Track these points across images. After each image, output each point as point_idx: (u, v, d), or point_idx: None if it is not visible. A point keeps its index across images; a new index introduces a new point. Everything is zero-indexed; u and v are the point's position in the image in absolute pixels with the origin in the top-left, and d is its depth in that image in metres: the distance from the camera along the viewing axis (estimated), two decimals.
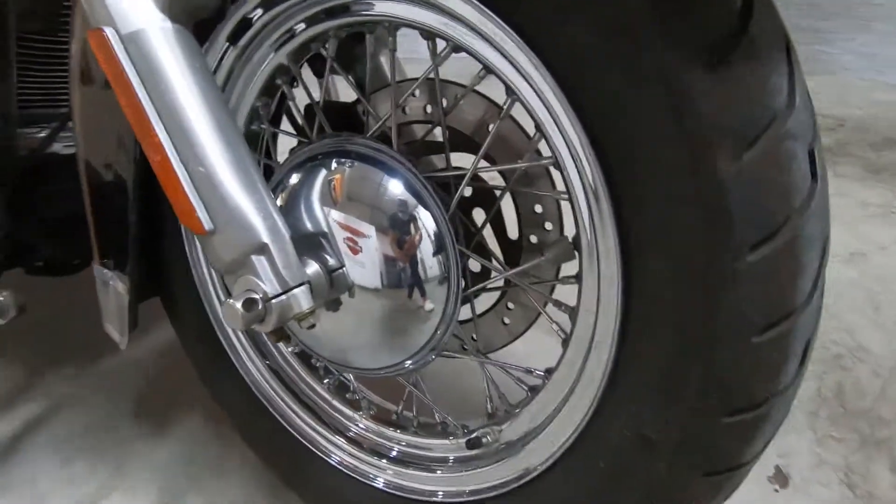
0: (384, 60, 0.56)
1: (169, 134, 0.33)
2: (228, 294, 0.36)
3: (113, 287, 0.52)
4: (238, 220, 0.34)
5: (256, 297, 0.33)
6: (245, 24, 0.43)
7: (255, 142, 0.52)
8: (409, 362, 0.43)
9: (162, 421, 0.71)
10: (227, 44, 0.44)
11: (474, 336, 0.54)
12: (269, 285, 0.34)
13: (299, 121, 0.52)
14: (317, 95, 0.47)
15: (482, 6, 0.31)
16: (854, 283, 0.93)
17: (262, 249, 0.34)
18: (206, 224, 0.34)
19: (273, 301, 0.34)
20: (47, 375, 0.81)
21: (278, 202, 0.43)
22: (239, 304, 0.33)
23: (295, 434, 0.54)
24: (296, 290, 0.35)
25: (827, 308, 0.85)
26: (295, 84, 0.48)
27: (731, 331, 0.28)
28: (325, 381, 0.55)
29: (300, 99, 0.49)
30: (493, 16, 0.31)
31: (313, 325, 0.37)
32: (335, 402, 0.55)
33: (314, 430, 0.54)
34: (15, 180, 0.61)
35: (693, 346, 0.29)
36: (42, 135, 0.65)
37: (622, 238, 0.30)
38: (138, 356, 0.82)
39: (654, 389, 0.32)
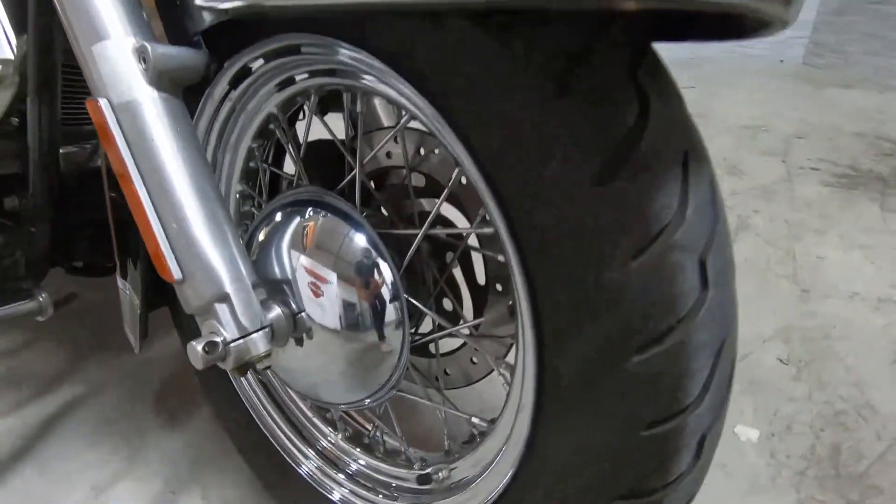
0: (378, 103, 0.59)
1: (149, 192, 0.38)
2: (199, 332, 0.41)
3: (129, 297, 0.59)
4: (204, 271, 0.38)
5: (217, 340, 0.37)
6: (245, 71, 0.46)
7: (254, 178, 0.57)
8: (367, 399, 0.47)
9: (175, 415, 0.79)
10: (229, 87, 0.49)
11: (437, 377, 0.56)
12: (230, 331, 0.38)
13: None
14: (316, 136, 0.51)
15: (427, 102, 0.33)
16: (879, 332, 0.88)
17: (225, 298, 0.38)
18: (176, 274, 0.38)
19: (232, 345, 0.38)
20: (89, 360, 0.91)
21: (260, 239, 0.48)
22: (200, 347, 0.37)
23: (276, 445, 0.59)
24: (254, 336, 0.39)
25: (841, 358, 0.82)
26: (294, 123, 0.52)
27: (622, 423, 0.29)
28: (307, 401, 0.59)
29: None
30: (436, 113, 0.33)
31: (268, 367, 0.41)
32: (315, 420, 0.59)
33: (292, 442, 0.59)
34: (59, 191, 0.69)
35: (591, 432, 0.31)
36: (83, 150, 0.73)
37: (537, 326, 0.32)
38: (164, 353, 0.91)
39: (562, 464, 0.33)
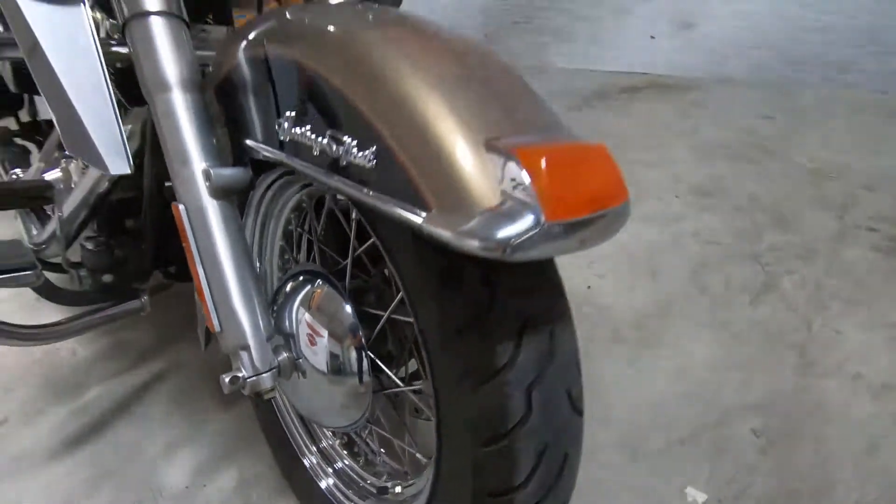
0: None
1: (203, 266, 0.55)
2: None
3: (199, 306, 0.79)
4: (234, 328, 0.55)
5: (238, 376, 0.55)
6: (280, 177, 0.62)
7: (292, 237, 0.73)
8: (348, 426, 0.63)
9: (229, 400, 1.00)
10: (266, 187, 0.65)
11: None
12: (247, 370, 0.55)
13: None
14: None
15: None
16: (866, 420, 0.89)
17: (245, 347, 0.55)
18: (216, 326, 0.56)
19: (248, 380, 0.55)
20: (178, 341, 1.15)
21: (286, 291, 0.64)
22: (227, 379, 0.54)
23: (290, 439, 0.77)
24: (264, 375, 0.55)
25: (817, 439, 0.86)
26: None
27: (475, 489, 0.42)
28: None
29: None
30: None
31: (273, 396, 0.57)
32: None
33: (301, 439, 0.76)
34: (162, 214, 0.90)
35: (461, 492, 0.44)
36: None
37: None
38: None
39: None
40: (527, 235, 0.32)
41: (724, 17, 2.90)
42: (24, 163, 1.29)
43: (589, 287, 1.27)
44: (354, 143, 0.40)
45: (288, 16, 0.52)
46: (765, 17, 2.81)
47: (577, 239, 0.35)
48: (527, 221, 0.32)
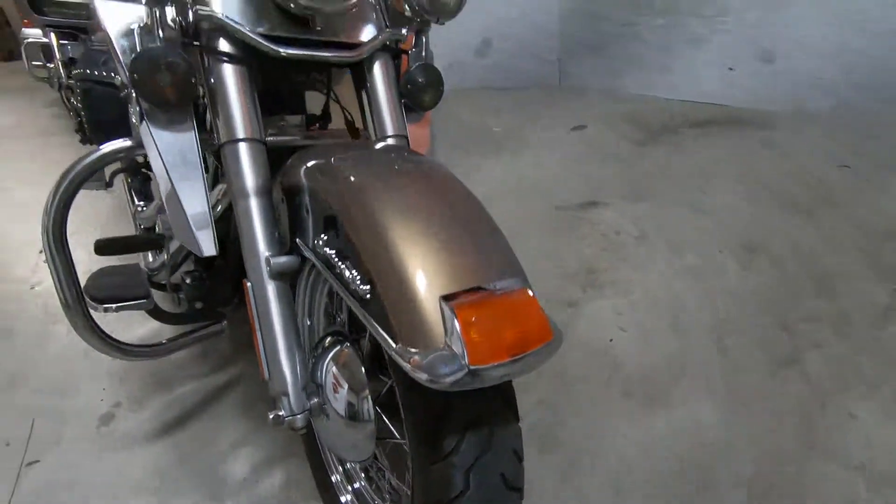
0: None
1: (260, 331, 0.74)
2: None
3: None
4: (278, 378, 0.73)
5: (280, 414, 0.73)
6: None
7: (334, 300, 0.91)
8: (357, 461, 0.79)
9: None
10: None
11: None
12: (286, 411, 0.73)
13: None
14: None
15: None
16: None
17: (286, 394, 0.73)
18: (266, 374, 0.74)
19: (286, 419, 0.73)
20: (251, 354, 1.39)
21: (321, 347, 0.82)
22: (271, 416, 0.72)
23: (323, 459, 0.95)
24: (297, 416, 0.73)
25: None
26: None
27: None
28: None
29: None
30: None
31: (304, 431, 0.75)
32: None
33: (331, 459, 0.94)
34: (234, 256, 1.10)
35: None
36: None
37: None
38: None
39: None
40: (456, 376, 0.46)
41: (809, 49, 2.76)
42: (148, 192, 1.59)
43: (611, 340, 1.35)
44: (358, 277, 0.56)
45: (332, 159, 0.68)
46: (854, 52, 2.64)
47: (498, 375, 0.48)
48: (457, 365, 0.46)
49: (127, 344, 0.97)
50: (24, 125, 4.12)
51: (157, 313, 1.08)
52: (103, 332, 0.92)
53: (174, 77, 0.70)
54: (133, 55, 0.69)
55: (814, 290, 1.47)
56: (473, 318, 0.47)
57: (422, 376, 0.46)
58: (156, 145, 0.74)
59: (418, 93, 0.93)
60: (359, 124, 0.95)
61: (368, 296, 0.54)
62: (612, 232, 1.86)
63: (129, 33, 0.77)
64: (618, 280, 1.58)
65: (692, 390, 1.18)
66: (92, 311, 0.91)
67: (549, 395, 1.19)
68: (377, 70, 0.88)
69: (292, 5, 0.74)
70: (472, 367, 0.46)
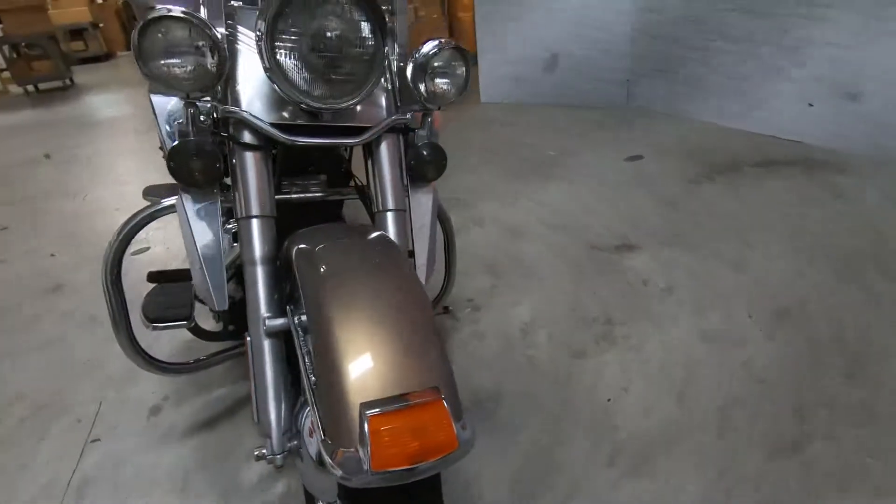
0: None
1: (255, 381, 0.86)
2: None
3: None
4: (264, 422, 0.85)
5: (263, 453, 0.85)
6: None
7: None
8: (325, 501, 0.89)
9: None
10: None
11: None
12: (268, 451, 0.85)
13: None
14: None
15: None
16: None
17: (269, 436, 0.85)
18: (255, 418, 0.86)
19: (268, 457, 0.85)
20: None
21: (301, 400, 0.93)
22: (255, 454, 0.85)
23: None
24: (277, 456, 0.85)
25: None
26: None
27: None
28: None
29: None
30: None
31: (281, 467, 0.87)
32: None
33: None
34: None
35: None
36: None
37: None
38: None
39: None
40: (361, 477, 0.55)
41: None
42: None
43: (609, 400, 1.37)
44: (311, 363, 0.66)
45: (316, 247, 0.78)
46: None
47: (400, 478, 0.56)
48: (362, 467, 0.55)
49: (163, 362, 1.15)
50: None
51: (196, 331, 1.26)
52: (145, 351, 1.10)
53: (202, 166, 0.84)
54: (172, 144, 0.84)
55: (843, 373, 1.39)
56: (382, 428, 0.55)
57: (336, 472, 0.56)
58: (186, 215, 0.89)
59: (422, 168, 1.02)
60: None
61: (315, 383, 0.64)
62: (640, 281, 1.84)
63: (171, 122, 0.92)
64: (633, 335, 1.58)
65: (681, 466, 1.18)
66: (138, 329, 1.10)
67: (535, 446, 1.24)
68: (384, 148, 0.98)
69: (303, 106, 0.86)
70: (374, 471, 0.54)
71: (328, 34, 0.80)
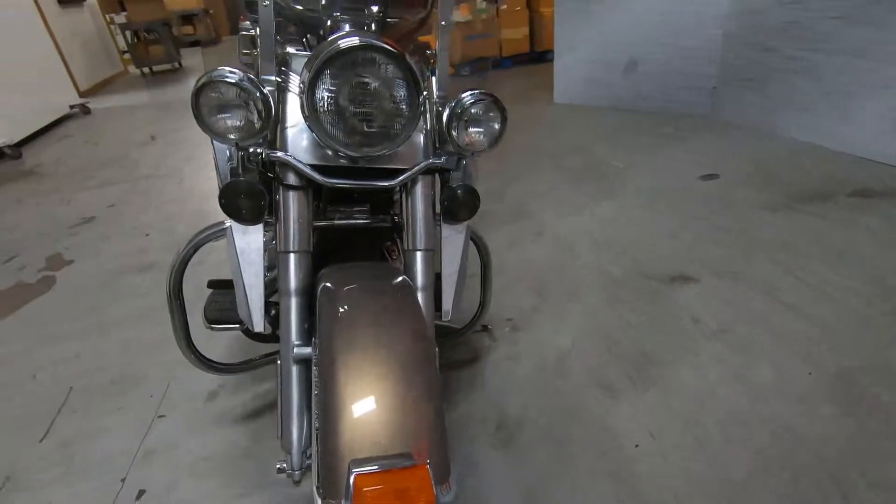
0: None
1: (281, 400, 0.95)
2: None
3: None
4: (286, 439, 0.93)
5: (283, 468, 0.93)
6: None
7: None
8: None
9: None
10: None
11: None
12: (288, 466, 0.93)
13: None
14: None
15: None
16: None
17: (290, 452, 0.93)
18: (279, 433, 0.95)
19: (287, 471, 0.93)
20: None
21: None
22: (276, 467, 0.94)
23: None
24: (296, 472, 0.93)
25: None
26: None
27: None
28: None
29: None
30: None
31: (299, 482, 0.95)
32: None
33: None
34: None
35: None
36: None
37: None
38: None
39: None
40: None
41: None
42: None
43: (637, 446, 1.33)
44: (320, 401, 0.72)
45: (341, 288, 0.84)
46: None
47: None
48: None
49: (214, 361, 1.27)
50: None
51: (248, 333, 1.38)
52: (199, 351, 1.23)
53: (248, 204, 0.92)
54: (224, 183, 0.92)
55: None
56: (366, 489, 0.60)
57: None
58: (234, 244, 0.98)
59: (454, 209, 1.04)
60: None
61: (316, 425, 0.70)
62: (690, 318, 1.75)
63: (226, 162, 1.01)
64: (671, 378, 1.52)
65: None
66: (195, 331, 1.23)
67: (546, 485, 1.24)
68: (418, 188, 1.01)
69: (341, 155, 0.91)
70: None
71: (365, 90, 0.84)
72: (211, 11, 9.18)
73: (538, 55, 5.35)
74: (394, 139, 0.89)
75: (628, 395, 1.47)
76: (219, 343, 1.77)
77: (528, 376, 1.56)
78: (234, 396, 1.58)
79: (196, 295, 1.36)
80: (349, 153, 0.89)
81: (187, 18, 9.05)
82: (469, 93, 0.94)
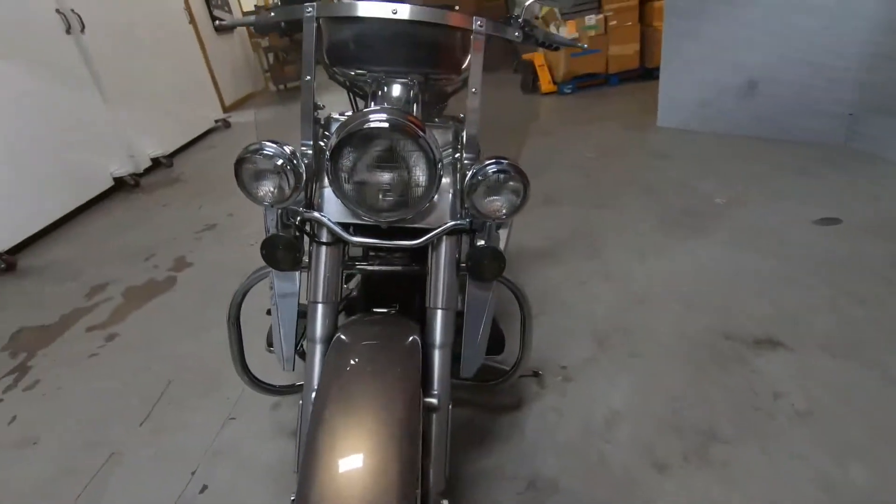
0: None
1: (299, 433, 1.01)
2: None
3: None
4: None
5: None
6: None
7: None
8: None
9: None
10: None
11: None
12: None
13: None
14: None
15: None
16: None
17: None
18: (296, 469, 1.01)
19: None
20: None
21: None
22: (291, 500, 1.00)
23: None
24: None
25: None
26: None
27: None
28: None
29: None
30: None
31: None
32: None
33: None
34: None
35: None
36: None
37: None
38: None
39: None
40: None
41: None
42: None
43: None
44: None
45: (347, 350, 0.89)
46: None
47: None
48: None
49: (266, 383, 1.39)
50: None
51: (303, 356, 1.49)
52: (253, 374, 1.35)
53: (284, 256, 1.00)
54: (266, 236, 1.01)
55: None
56: None
57: None
58: (273, 288, 1.07)
59: (477, 270, 1.03)
60: None
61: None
62: (770, 393, 1.53)
63: (268, 217, 1.10)
64: (734, 461, 1.34)
65: None
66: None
67: None
68: (442, 247, 1.03)
69: (365, 218, 0.96)
70: None
71: (383, 164, 0.87)
72: None
73: (647, 72, 5.03)
74: (411, 208, 0.91)
75: (678, 475, 1.33)
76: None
77: (572, 435, 1.48)
78: (292, 409, 1.71)
79: (259, 320, 1.50)
80: (370, 216, 0.93)
81: None
82: (493, 161, 0.93)
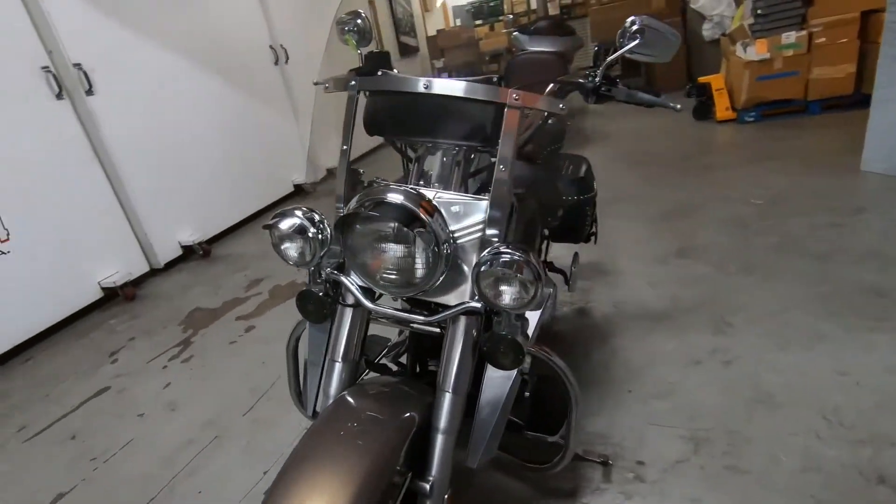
0: None
1: None
2: None
3: None
4: None
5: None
6: None
7: None
8: None
9: None
10: None
11: None
12: None
13: None
14: None
15: None
16: None
17: None
18: None
19: None
20: None
21: None
22: None
23: None
24: None
25: None
26: None
27: None
28: None
29: None
30: None
31: None
32: None
33: None
34: None
35: None
36: None
37: None
38: None
39: None
40: None
41: None
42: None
43: None
44: None
45: (340, 409, 0.90)
46: None
47: None
48: None
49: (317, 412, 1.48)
50: None
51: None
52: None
53: (314, 309, 1.05)
54: (300, 292, 1.08)
55: None
56: None
57: None
58: (307, 335, 1.14)
59: (493, 356, 0.95)
60: None
61: None
62: None
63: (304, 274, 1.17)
64: None
65: None
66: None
67: None
68: (458, 328, 0.97)
69: (375, 287, 0.96)
70: None
71: (384, 242, 0.86)
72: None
73: (865, 98, 4.00)
74: (416, 287, 0.88)
75: None
76: None
77: None
78: None
79: None
80: (382, 290, 0.93)
81: (494, 58, 10.27)
82: (504, 248, 0.84)
